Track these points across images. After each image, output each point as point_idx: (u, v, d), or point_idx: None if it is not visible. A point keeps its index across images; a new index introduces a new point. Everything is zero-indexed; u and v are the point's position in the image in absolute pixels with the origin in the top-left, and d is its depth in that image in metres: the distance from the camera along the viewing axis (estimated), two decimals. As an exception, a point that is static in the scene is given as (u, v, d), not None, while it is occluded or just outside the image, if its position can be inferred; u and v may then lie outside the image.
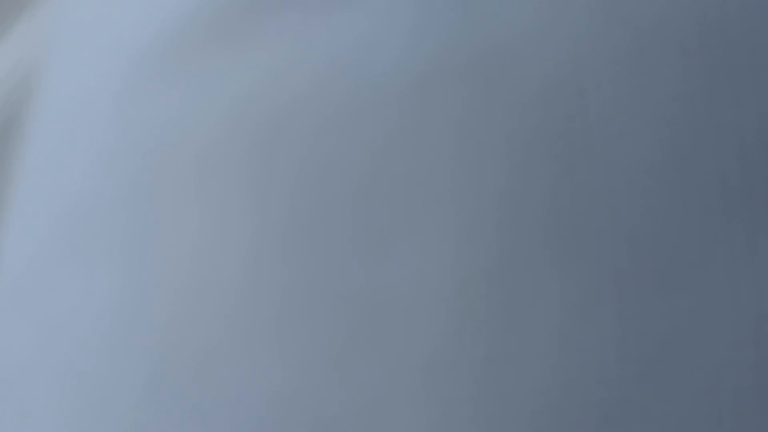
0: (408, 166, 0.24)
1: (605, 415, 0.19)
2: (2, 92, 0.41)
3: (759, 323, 0.18)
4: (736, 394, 0.18)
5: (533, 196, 0.22)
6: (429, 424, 0.21)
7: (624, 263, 0.20)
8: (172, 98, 0.31)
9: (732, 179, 0.19)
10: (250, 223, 0.27)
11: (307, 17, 0.28)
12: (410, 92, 0.25)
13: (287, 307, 0.25)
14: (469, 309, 0.22)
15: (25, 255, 0.33)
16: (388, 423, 0.22)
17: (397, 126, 0.25)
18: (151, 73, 0.32)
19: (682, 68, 0.21)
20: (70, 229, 0.32)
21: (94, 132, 0.33)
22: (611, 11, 0.22)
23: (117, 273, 0.29)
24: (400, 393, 0.22)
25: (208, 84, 0.30)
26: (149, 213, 0.30)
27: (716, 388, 0.18)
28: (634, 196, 0.20)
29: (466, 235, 0.22)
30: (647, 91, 0.21)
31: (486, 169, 0.23)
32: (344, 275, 0.24)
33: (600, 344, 0.20)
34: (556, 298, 0.21)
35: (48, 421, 0.29)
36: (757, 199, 0.19)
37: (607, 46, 0.22)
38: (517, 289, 0.21)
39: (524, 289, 0.21)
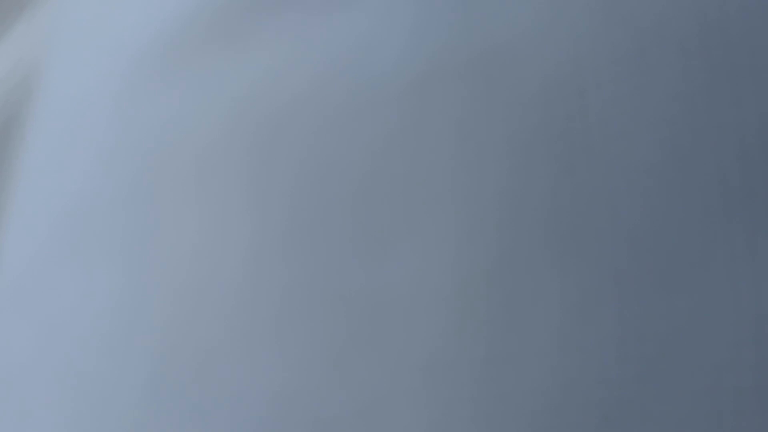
0: (408, 166, 0.24)
1: (605, 415, 0.19)
2: (2, 92, 0.41)
3: (759, 323, 0.18)
4: (736, 394, 0.18)
5: (533, 196, 0.22)
6: (429, 424, 0.21)
7: (624, 263, 0.20)
8: (172, 98, 0.31)
9: (732, 179, 0.19)
10: (250, 223, 0.27)
11: (307, 17, 0.28)
12: (410, 92, 0.25)
13: (287, 307, 0.25)
14: (469, 309, 0.22)
15: (25, 255, 0.33)
16: (388, 423, 0.22)
17: (397, 126, 0.25)
18: (151, 73, 0.32)
19: (682, 68, 0.21)
20: (70, 229, 0.32)
21: (94, 132, 0.33)
22: (611, 11, 0.22)
23: (117, 273, 0.29)
24: (400, 393, 0.22)
25: (208, 84, 0.30)
26: (149, 213, 0.30)
27: (716, 388, 0.18)
28: (634, 196, 0.20)
29: (466, 235, 0.22)
30: (647, 91, 0.21)
31: (486, 169, 0.23)
32: (344, 275, 0.24)
33: (600, 344, 0.20)
34: (556, 298, 0.21)
35: (48, 421, 0.29)
36: (757, 199, 0.19)
37: (607, 46, 0.22)
38: (517, 289, 0.21)
39: (524, 289, 0.21)
